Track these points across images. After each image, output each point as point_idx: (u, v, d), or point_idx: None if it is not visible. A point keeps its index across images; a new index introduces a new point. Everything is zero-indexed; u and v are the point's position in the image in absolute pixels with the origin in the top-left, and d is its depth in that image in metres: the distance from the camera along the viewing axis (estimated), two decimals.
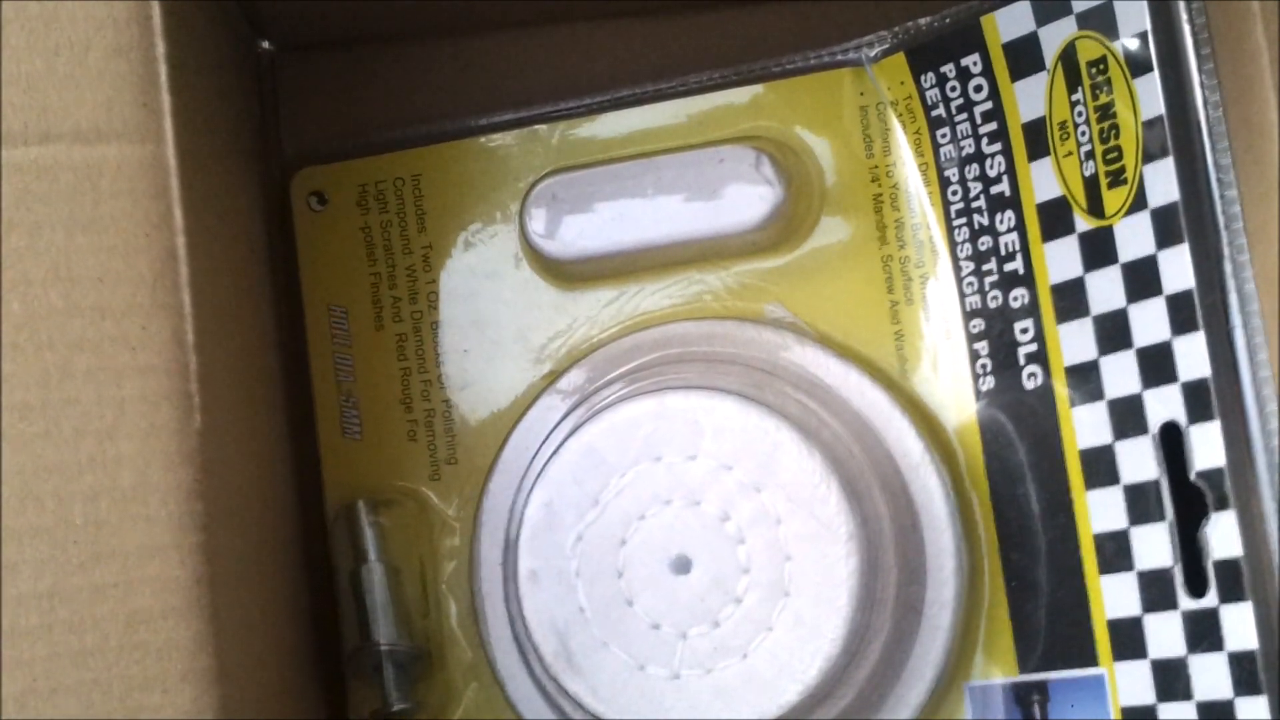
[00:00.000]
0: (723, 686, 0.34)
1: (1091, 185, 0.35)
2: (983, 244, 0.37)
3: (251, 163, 0.39)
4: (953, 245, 0.37)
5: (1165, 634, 0.34)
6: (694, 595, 0.35)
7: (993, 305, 0.37)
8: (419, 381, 0.40)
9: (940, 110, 0.37)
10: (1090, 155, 0.35)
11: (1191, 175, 0.33)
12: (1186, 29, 0.33)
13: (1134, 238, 0.34)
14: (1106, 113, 0.35)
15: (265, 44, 0.41)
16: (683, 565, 0.35)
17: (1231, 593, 0.32)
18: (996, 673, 0.36)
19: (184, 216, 0.31)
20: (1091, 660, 0.35)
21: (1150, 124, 0.34)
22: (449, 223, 0.40)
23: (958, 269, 0.37)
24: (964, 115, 0.37)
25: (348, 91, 0.42)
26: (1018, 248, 0.36)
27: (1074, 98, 0.35)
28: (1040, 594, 0.36)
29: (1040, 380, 0.36)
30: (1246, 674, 0.32)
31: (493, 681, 0.38)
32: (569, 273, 0.39)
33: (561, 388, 0.39)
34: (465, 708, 0.38)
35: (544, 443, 0.38)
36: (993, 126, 0.37)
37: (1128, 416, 0.34)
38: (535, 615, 0.35)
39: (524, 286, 0.39)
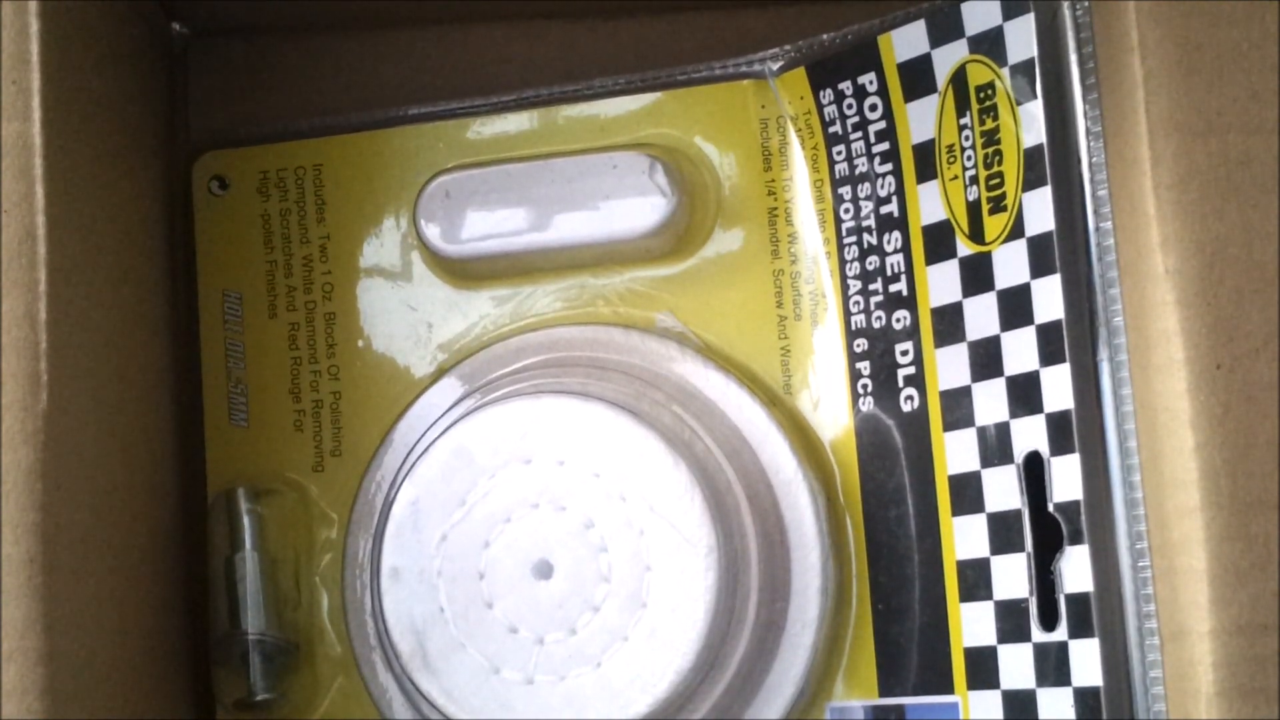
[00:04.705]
0: (575, 694, 0.34)
1: (974, 210, 0.35)
2: (870, 264, 0.37)
3: (154, 145, 0.39)
4: (842, 263, 0.37)
5: (1017, 665, 0.33)
6: (553, 601, 0.35)
7: (876, 325, 0.36)
8: (309, 372, 0.39)
9: (837, 127, 0.37)
10: (974, 180, 0.35)
11: (1068, 205, 0.33)
12: (1073, 58, 0.33)
13: (1010, 265, 0.34)
14: (992, 138, 0.34)
15: (177, 27, 0.41)
16: (544, 570, 0.35)
17: (1080, 628, 0.32)
18: (857, 694, 0.36)
19: (46, 196, 0.31)
20: (948, 688, 0.34)
21: (1032, 152, 0.33)
22: (348, 214, 0.40)
23: (845, 287, 0.37)
24: (859, 134, 0.37)
25: (259, 78, 0.42)
26: (903, 269, 0.36)
27: (962, 121, 0.35)
28: (905, 618, 0.35)
29: (916, 404, 0.36)
30: (1091, 711, 0.32)
31: (358, 677, 0.38)
32: (462, 271, 0.39)
33: (446, 385, 0.39)
34: (331, 702, 0.38)
35: (419, 440, 0.38)
36: (885, 146, 0.36)
37: (995, 444, 0.34)
38: (394, 613, 0.35)
39: (418, 282, 0.39)
